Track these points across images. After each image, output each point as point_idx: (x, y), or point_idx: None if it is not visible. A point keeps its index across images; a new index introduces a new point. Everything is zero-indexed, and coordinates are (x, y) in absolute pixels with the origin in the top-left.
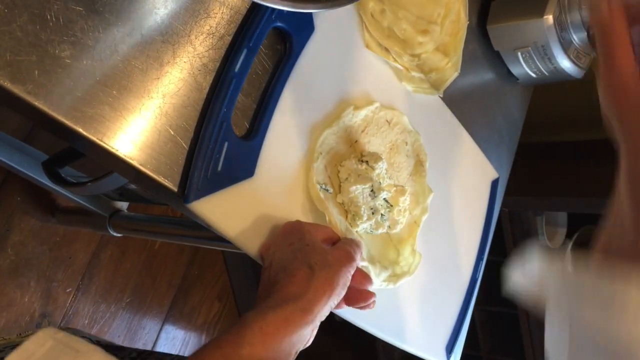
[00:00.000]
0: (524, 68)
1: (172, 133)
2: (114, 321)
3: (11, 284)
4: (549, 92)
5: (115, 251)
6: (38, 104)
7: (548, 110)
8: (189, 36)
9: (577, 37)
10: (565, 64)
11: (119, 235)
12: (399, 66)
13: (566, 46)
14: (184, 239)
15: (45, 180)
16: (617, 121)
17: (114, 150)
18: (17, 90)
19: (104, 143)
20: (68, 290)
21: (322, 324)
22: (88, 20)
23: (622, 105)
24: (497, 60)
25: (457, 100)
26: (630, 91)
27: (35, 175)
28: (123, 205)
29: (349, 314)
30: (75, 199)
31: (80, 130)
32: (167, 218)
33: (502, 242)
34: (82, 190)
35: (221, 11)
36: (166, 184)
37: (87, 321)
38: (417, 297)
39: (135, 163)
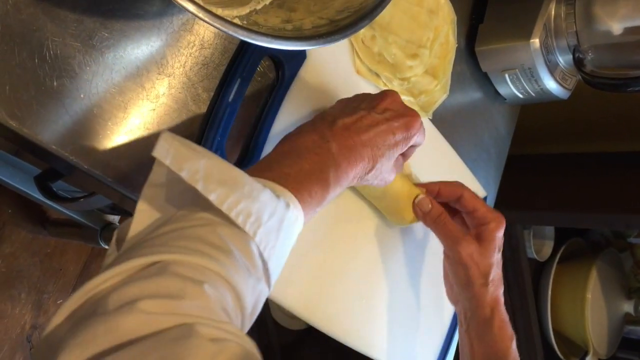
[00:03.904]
0: (511, 89)
1: None
2: None
3: (2, 296)
4: (536, 106)
5: None
6: (36, 139)
7: (536, 123)
8: (184, 67)
9: (563, 60)
10: (551, 85)
11: None
12: None
13: (552, 68)
14: None
15: (37, 195)
16: (456, 254)
17: (114, 185)
18: (15, 125)
19: (102, 175)
20: (59, 302)
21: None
22: (85, 55)
23: (461, 244)
24: (484, 81)
25: (445, 121)
26: (462, 235)
27: (27, 190)
28: (115, 218)
29: (342, 333)
30: (67, 212)
31: (80, 163)
32: None
33: None
34: (75, 205)
35: (215, 42)
36: None
37: None
38: (405, 313)
39: (137, 197)
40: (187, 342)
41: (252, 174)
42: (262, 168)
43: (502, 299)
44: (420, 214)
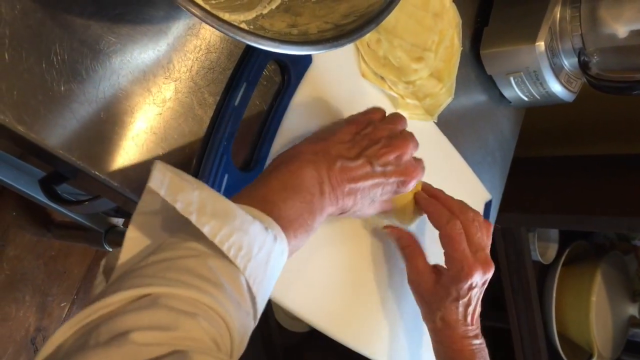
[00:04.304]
0: (516, 92)
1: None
2: None
3: (6, 299)
4: (541, 109)
5: None
6: (43, 144)
7: (540, 125)
8: (191, 71)
9: (568, 63)
10: (556, 88)
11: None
12: (395, 94)
13: (557, 71)
14: None
15: (41, 198)
16: (419, 297)
17: (120, 190)
18: (22, 129)
19: (111, 180)
20: (63, 305)
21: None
22: (92, 60)
23: (422, 287)
24: (489, 84)
25: (450, 124)
26: (426, 277)
27: (32, 193)
28: (119, 221)
29: (344, 335)
30: (71, 215)
31: (87, 167)
32: None
33: (495, 258)
34: (80, 208)
35: (221, 46)
36: None
37: None
38: (408, 316)
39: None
40: None
41: (246, 195)
42: (255, 195)
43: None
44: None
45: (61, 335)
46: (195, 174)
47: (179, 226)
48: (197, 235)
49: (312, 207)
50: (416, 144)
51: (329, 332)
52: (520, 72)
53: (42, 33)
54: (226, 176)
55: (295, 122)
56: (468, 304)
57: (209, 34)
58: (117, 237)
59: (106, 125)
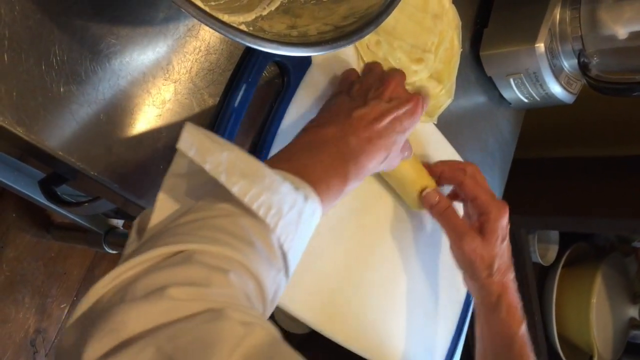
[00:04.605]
0: (516, 93)
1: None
2: None
3: (6, 300)
4: (541, 110)
5: (110, 267)
6: (43, 145)
7: (540, 127)
8: (190, 73)
9: (568, 64)
10: (556, 89)
11: (114, 252)
12: None
13: (557, 73)
14: None
15: (41, 199)
16: (466, 256)
17: (120, 191)
18: (22, 131)
19: (108, 180)
20: (62, 306)
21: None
22: (92, 62)
23: (470, 243)
24: (489, 85)
25: (450, 125)
26: (466, 230)
27: (32, 194)
28: (119, 222)
29: (346, 338)
30: (71, 216)
31: (87, 169)
32: None
33: None
34: (79, 210)
35: (221, 47)
36: None
37: None
38: (413, 318)
39: (143, 203)
40: (218, 324)
41: (272, 165)
42: (281, 159)
43: (511, 285)
44: (427, 206)
45: (99, 290)
46: None
47: (210, 188)
48: (226, 196)
49: (342, 160)
50: (402, 73)
51: (329, 334)
52: (520, 73)
53: (42, 34)
54: None
55: (295, 124)
56: (505, 239)
57: (208, 35)
58: (117, 239)
59: (106, 127)
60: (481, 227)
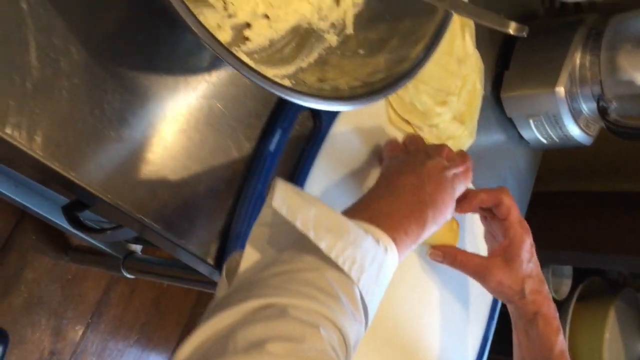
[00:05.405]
0: (535, 134)
1: (209, 210)
2: (121, 358)
3: (23, 322)
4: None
5: (125, 290)
6: (92, 188)
7: (558, 163)
8: (229, 117)
9: (587, 108)
10: (575, 132)
11: (132, 277)
12: None
13: (576, 116)
14: (197, 284)
15: (63, 224)
16: (501, 288)
17: (154, 228)
18: (73, 175)
19: (149, 221)
20: (77, 328)
21: None
22: (140, 108)
23: (496, 275)
24: (509, 126)
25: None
26: (486, 268)
27: (54, 219)
28: (137, 247)
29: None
30: (91, 240)
31: (120, 204)
32: (181, 262)
33: None
34: (101, 237)
35: (259, 94)
36: (203, 257)
37: (95, 358)
38: (436, 335)
39: (183, 243)
40: None
41: (352, 213)
42: (360, 207)
43: (545, 299)
44: (439, 261)
45: (198, 337)
46: (230, 219)
47: (294, 237)
48: (311, 248)
49: (421, 206)
50: (444, 144)
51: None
52: (540, 115)
53: (96, 83)
54: None
55: (326, 166)
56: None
57: (247, 82)
58: (135, 264)
59: (151, 170)
60: (505, 250)
